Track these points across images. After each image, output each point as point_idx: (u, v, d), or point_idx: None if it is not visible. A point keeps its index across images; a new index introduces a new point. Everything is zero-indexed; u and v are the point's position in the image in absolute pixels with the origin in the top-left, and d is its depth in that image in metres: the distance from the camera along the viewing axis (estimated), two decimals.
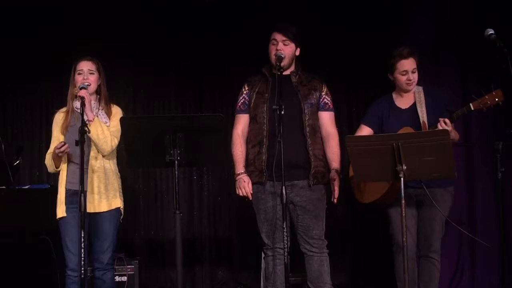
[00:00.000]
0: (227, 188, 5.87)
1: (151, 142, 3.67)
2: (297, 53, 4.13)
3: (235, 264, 5.92)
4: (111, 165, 4.05)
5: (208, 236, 5.95)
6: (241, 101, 4.19)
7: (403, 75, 4.18)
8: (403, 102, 4.26)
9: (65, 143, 3.85)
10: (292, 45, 4.07)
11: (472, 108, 3.91)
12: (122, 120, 3.76)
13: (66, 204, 3.96)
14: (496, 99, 3.84)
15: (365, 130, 4.30)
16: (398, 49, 4.22)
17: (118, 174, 4.12)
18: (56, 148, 3.87)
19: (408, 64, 4.16)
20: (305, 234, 4.03)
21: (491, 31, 3.81)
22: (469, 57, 5.46)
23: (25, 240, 4.74)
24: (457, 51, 5.54)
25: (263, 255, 4.27)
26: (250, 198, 4.08)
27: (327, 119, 4.13)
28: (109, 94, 4.16)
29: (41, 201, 4.61)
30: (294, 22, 4.19)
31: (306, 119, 4.04)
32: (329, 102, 4.14)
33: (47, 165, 4.07)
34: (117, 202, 4.04)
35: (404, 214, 3.59)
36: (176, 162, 3.62)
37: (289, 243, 3.76)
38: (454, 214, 4.60)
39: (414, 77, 4.19)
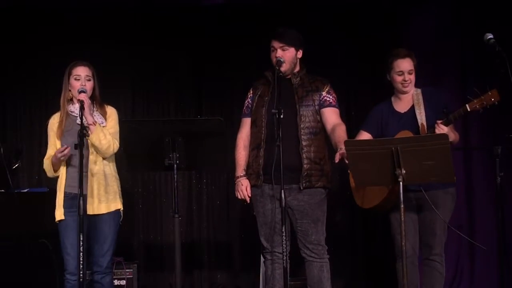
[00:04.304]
0: (226, 192, 5.88)
1: (150, 145, 3.67)
2: (299, 55, 4.12)
3: (234, 268, 5.91)
4: (110, 168, 4.04)
5: (207, 240, 5.94)
6: (246, 105, 4.21)
7: (399, 75, 4.17)
8: (401, 105, 4.25)
9: (68, 146, 3.85)
10: (292, 49, 4.06)
11: (469, 109, 3.88)
12: (121, 124, 3.76)
13: (65, 207, 3.95)
14: (492, 99, 3.82)
15: (364, 136, 4.28)
16: (396, 50, 4.23)
17: (117, 176, 4.11)
18: (58, 151, 3.87)
19: (404, 65, 4.16)
20: (304, 239, 4.01)
21: (490, 36, 3.81)
22: (469, 60, 5.47)
23: (24, 243, 4.74)
24: (457, 54, 5.56)
25: (262, 258, 4.27)
26: (248, 202, 4.08)
27: (329, 113, 4.06)
28: (108, 97, 4.16)
29: (40, 204, 4.60)
30: (293, 25, 4.19)
31: (301, 121, 4.02)
32: (330, 99, 4.08)
33: (46, 170, 4.07)
34: (117, 204, 4.03)
35: (403, 219, 3.58)
36: (175, 165, 3.63)
37: (289, 248, 3.76)
38: (453, 218, 4.59)
39: (410, 78, 4.18)
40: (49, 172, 4.05)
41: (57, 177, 4.03)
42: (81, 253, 3.56)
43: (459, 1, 5.55)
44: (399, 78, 4.18)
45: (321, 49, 5.61)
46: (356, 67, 5.91)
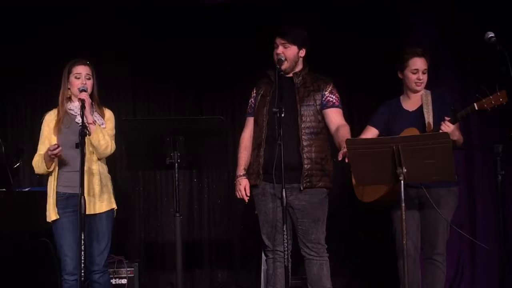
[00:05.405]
0: (227, 191, 5.88)
1: (151, 144, 3.68)
2: (302, 54, 4.10)
3: (235, 266, 5.92)
4: (103, 168, 4.06)
5: (208, 239, 5.95)
6: (249, 104, 4.22)
7: (413, 73, 4.16)
8: (410, 104, 4.24)
9: (59, 146, 3.83)
10: (293, 48, 4.05)
11: (476, 108, 3.87)
12: (123, 123, 3.76)
13: (60, 208, 3.93)
14: (501, 99, 3.82)
15: (370, 131, 4.29)
16: (412, 48, 4.23)
17: (109, 176, 4.12)
18: (49, 149, 3.84)
19: (420, 63, 4.15)
20: (304, 237, 4.01)
21: (491, 34, 3.81)
22: (469, 58, 5.47)
23: (25, 242, 4.73)
24: (457, 53, 5.56)
25: (264, 257, 4.27)
26: (246, 201, 4.09)
27: (333, 114, 4.05)
28: (108, 97, 4.17)
29: (41, 203, 4.57)
30: (293, 23, 4.19)
31: (302, 121, 4.01)
32: (333, 100, 4.06)
33: (34, 166, 4.00)
34: (112, 204, 4.05)
35: (404, 217, 3.58)
36: (176, 164, 3.63)
37: (290, 247, 3.76)
38: (455, 216, 4.60)
39: (424, 78, 4.17)
40: (40, 168, 3.96)
41: (47, 174, 3.99)
42: (82, 252, 3.55)
43: (459, 1, 5.55)
44: (413, 77, 4.17)
45: (321, 49, 5.59)
46: (356, 67, 5.91)
